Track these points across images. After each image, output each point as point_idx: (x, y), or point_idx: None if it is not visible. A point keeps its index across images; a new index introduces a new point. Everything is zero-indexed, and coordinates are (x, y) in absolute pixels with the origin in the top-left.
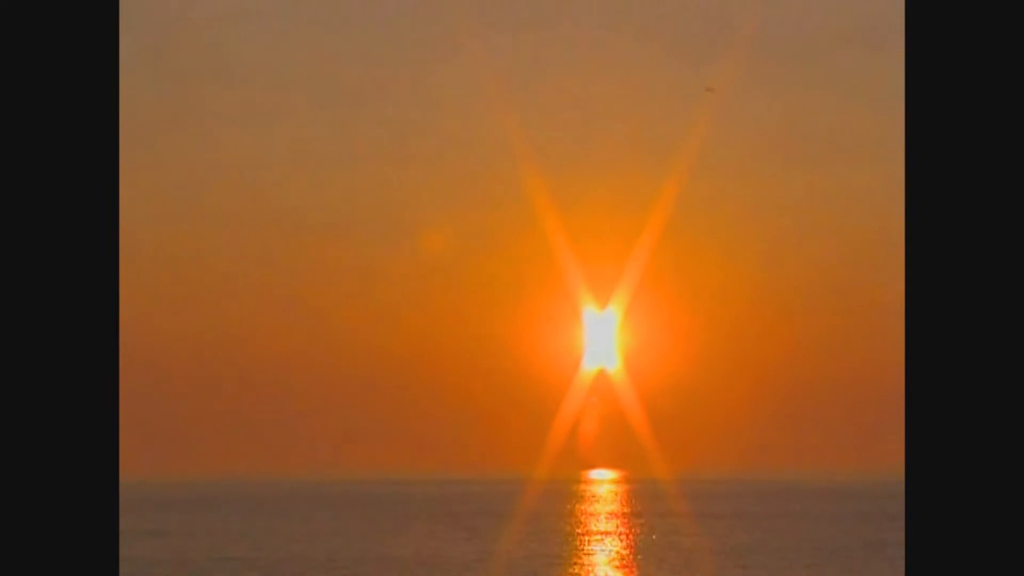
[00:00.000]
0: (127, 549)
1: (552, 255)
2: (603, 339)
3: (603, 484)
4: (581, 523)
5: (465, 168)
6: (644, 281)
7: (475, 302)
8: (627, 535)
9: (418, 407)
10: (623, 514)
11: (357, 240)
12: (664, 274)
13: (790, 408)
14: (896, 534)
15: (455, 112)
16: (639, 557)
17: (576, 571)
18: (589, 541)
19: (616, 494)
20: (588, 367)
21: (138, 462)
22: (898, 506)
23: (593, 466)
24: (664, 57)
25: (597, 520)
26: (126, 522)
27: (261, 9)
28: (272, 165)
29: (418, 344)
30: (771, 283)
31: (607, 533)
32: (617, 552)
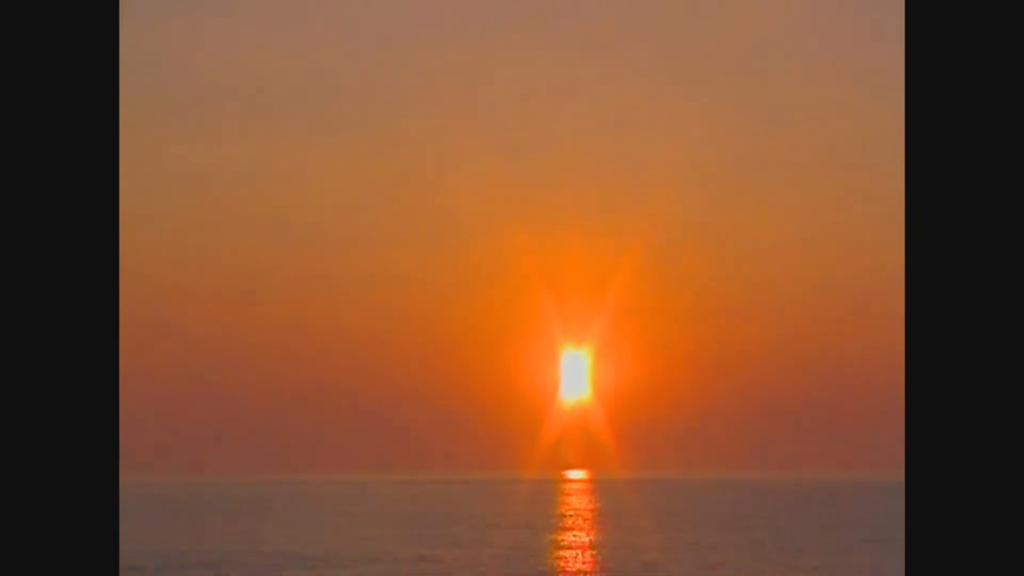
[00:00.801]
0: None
1: (536, 303)
2: (578, 372)
3: (577, 481)
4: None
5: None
6: (615, 321)
7: (463, 336)
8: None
9: (419, 421)
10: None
11: (343, 257)
12: (633, 313)
13: (742, 421)
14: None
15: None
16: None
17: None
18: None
19: (586, 487)
20: (566, 395)
21: (139, 462)
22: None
23: (570, 467)
24: (644, 94)
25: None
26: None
27: (263, 13)
28: (266, 172)
29: (413, 367)
30: (726, 310)
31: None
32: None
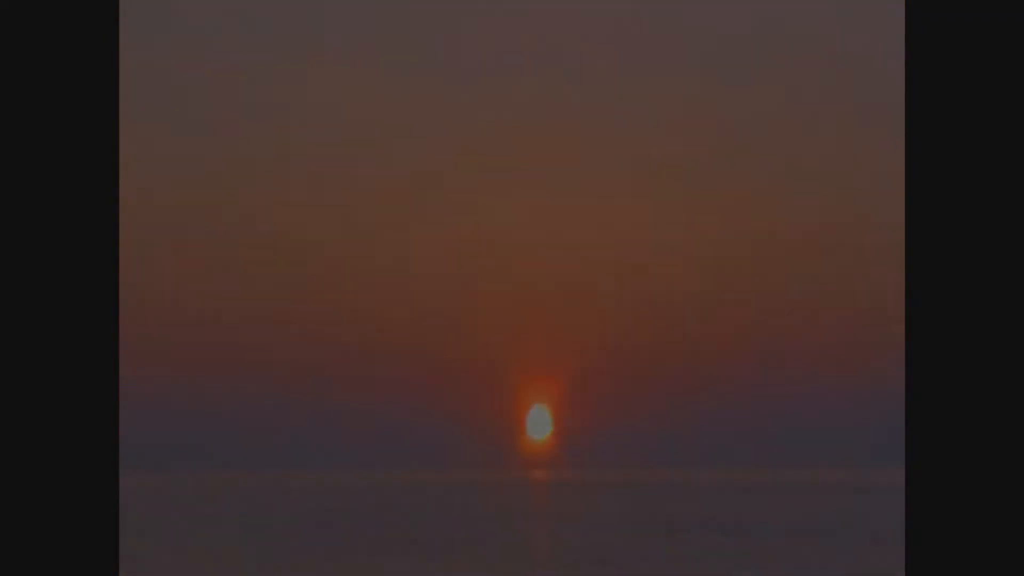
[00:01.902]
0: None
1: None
2: (543, 417)
3: (539, 477)
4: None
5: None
6: (580, 377)
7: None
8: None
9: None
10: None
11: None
12: (598, 366)
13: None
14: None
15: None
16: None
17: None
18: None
19: (544, 482)
20: (533, 434)
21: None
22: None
23: (538, 467)
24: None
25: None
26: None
27: (264, 14)
28: (265, 173)
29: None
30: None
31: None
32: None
